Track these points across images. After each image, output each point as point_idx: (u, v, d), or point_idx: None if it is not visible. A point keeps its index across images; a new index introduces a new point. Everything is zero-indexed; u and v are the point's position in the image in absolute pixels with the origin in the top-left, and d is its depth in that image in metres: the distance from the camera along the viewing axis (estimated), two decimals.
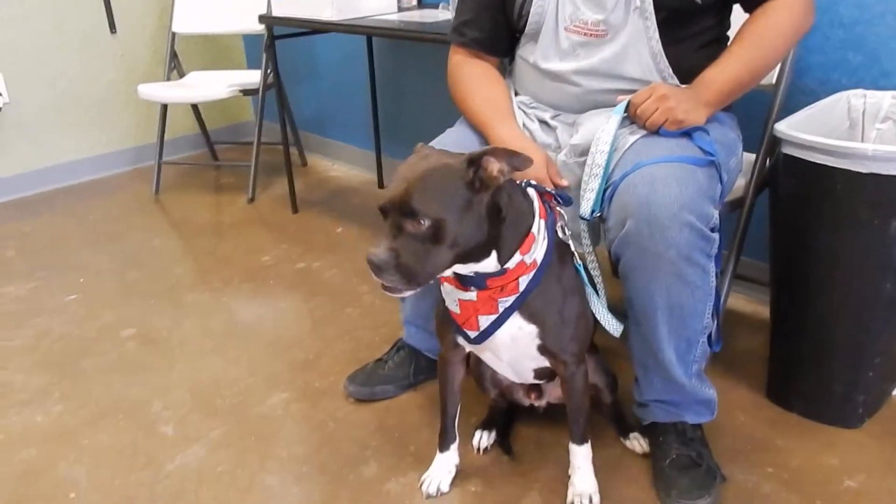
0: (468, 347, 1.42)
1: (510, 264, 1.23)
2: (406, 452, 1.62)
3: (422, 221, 1.13)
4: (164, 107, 3.36)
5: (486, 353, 1.42)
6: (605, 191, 1.38)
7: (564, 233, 1.34)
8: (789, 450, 1.58)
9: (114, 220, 3.11)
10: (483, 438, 1.64)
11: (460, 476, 1.54)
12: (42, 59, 3.38)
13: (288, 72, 3.48)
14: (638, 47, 1.46)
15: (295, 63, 3.60)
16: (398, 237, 1.15)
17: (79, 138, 3.57)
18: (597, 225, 1.43)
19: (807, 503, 1.44)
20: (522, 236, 1.23)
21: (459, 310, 1.31)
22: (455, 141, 1.57)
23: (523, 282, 1.25)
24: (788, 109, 1.70)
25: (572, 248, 1.34)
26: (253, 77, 3.28)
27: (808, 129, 1.51)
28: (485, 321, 1.30)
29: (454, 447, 1.54)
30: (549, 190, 1.37)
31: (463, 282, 1.27)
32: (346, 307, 2.27)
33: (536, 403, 1.64)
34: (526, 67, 1.62)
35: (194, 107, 3.62)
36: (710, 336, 1.46)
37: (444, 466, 1.53)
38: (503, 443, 1.63)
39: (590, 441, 1.45)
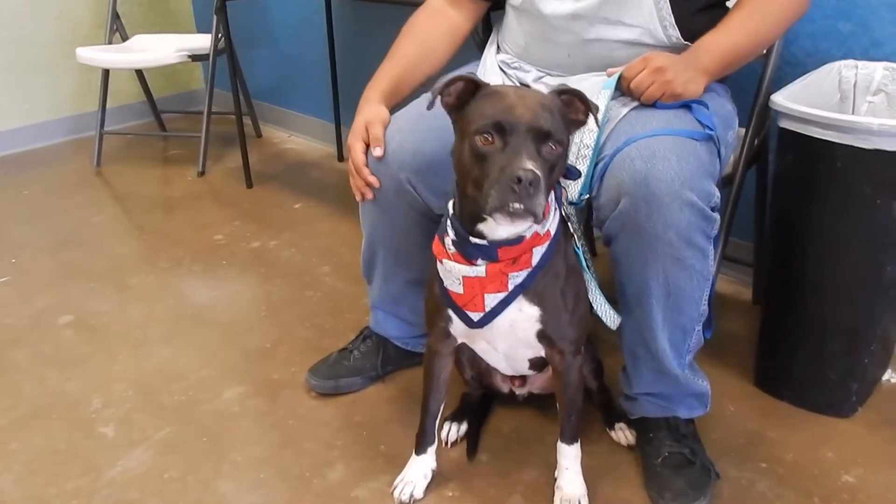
0: (460, 337, 1.30)
1: (528, 232, 1.12)
2: (376, 453, 1.49)
3: (555, 146, 1.05)
4: (106, 72, 3.14)
5: (480, 342, 1.29)
6: (595, 165, 1.26)
7: (566, 210, 1.23)
8: (782, 442, 1.50)
9: (51, 195, 2.88)
10: (452, 431, 1.53)
11: (436, 480, 1.41)
12: None
13: (240, 36, 3.29)
14: None
15: (248, 27, 3.40)
16: (536, 158, 1.03)
17: (12, 105, 3.33)
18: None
19: (804, 500, 1.36)
20: None
21: (463, 289, 1.17)
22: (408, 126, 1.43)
23: (537, 254, 1.14)
24: (775, 80, 1.61)
25: (571, 228, 1.23)
26: (202, 41, 3.08)
27: (801, 102, 1.42)
28: (491, 300, 1.17)
29: (432, 450, 1.41)
30: None
31: (469, 254, 1.14)
32: (306, 290, 2.12)
33: (518, 392, 1.53)
34: (514, 16, 1.49)
35: (139, 73, 3.40)
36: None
37: (419, 470, 1.40)
38: (471, 440, 1.51)
39: (580, 441, 1.34)
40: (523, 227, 1.10)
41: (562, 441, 1.34)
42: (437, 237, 1.21)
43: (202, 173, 3.02)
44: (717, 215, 1.23)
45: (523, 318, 1.19)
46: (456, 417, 1.55)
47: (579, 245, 1.24)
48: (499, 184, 0.99)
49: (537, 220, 1.03)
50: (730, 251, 1.93)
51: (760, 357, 1.67)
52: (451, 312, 1.23)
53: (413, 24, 1.55)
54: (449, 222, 1.17)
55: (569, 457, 1.34)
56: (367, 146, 1.43)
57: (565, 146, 1.08)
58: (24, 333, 1.95)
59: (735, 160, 1.64)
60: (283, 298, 2.09)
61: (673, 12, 1.34)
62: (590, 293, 1.26)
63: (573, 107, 1.13)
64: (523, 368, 1.38)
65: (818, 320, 1.52)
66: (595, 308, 1.28)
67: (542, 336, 1.22)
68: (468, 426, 1.54)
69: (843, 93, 1.68)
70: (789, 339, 1.58)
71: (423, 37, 1.53)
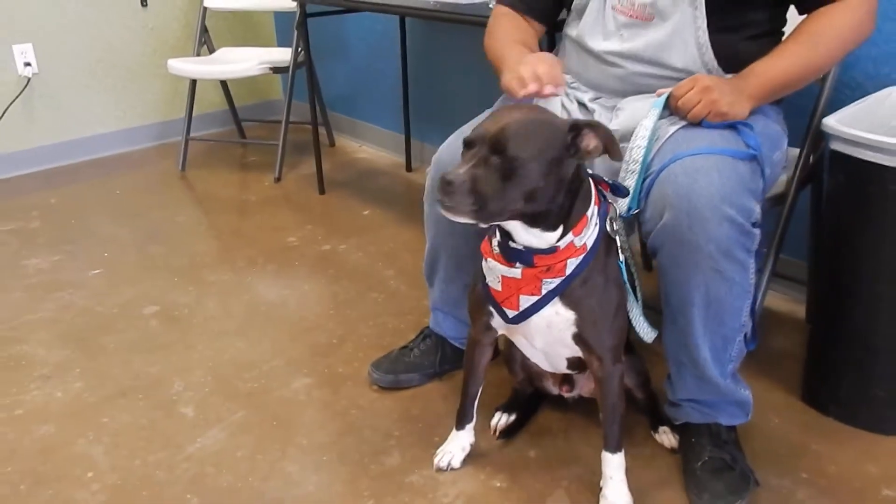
0: (500, 329, 1.39)
1: (562, 243, 1.20)
2: (430, 444, 1.58)
3: (510, 157, 1.12)
4: (193, 82, 3.33)
5: (518, 337, 1.38)
6: (643, 181, 1.33)
7: (613, 227, 1.30)
8: (825, 455, 1.53)
9: (139, 195, 3.09)
10: (502, 420, 1.62)
11: (485, 471, 1.51)
12: (72, 31, 3.37)
13: (318, 50, 3.44)
14: (684, 36, 1.41)
15: (326, 42, 3.56)
16: (479, 167, 1.12)
17: (107, 111, 3.56)
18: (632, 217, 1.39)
19: None
20: (580, 217, 1.21)
21: (501, 287, 1.27)
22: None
23: (571, 265, 1.22)
24: (834, 103, 1.64)
25: (619, 244, 1.30)
26: (283, 55, 3.25)
27: (855, 125, 1.46)
28: (525, 301, 1.26)
29: (470, 427, 1.54)
30: (606, 180, 1.32)
31: (509, 257, 1.24)
32: (371, 292, 2.24)
33: (567, 395, 1.61)
34: (570, 44, 1.59)
35: (223, 83, 3.60)
36: (745, 335, 1.40)
37: (458, 444, 1.53)
38: (512, 427, 1.61)
39: (624, 449, 1.39)
40: (460, 220, 1.15)
41: (605, 450, 1.39)
42: (486, 237, 1.31)
43: (278, 179, 3.18)
44: (757, 231, 1.29)
45: (560, 320, 1.27)
46: (506, 409, 1.64)
47: (623, 260, 1.30)
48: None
49: (459, 214, 1.12)
50: (785, 269, 1.96)
51: (808, 372, 1.70)
52: (490, 307, 1.33)
53: (503, 23, 1.61)
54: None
55: (613, 465, 1.39)
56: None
57: (524, 162, 1.12)
58: (113, 321, 2.12)
59: (789, 179, 1.68)
60: (349, 298, 2.21)
61: (716, 50, 1.40)
62: (628, 305, 1.33)
63: (584, 137, 1.17)
64: (562, 367, 1.45)
65: (865, 338, 1.54)
66: (631, 321, 1.35)
67: (579, 339, 1.30)
68: (516, 418, 1.63)
69: None
70: (838, 355, 1.60)
71: (520, 30, 1.60)
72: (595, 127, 1.17)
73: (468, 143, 1.16)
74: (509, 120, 1.15)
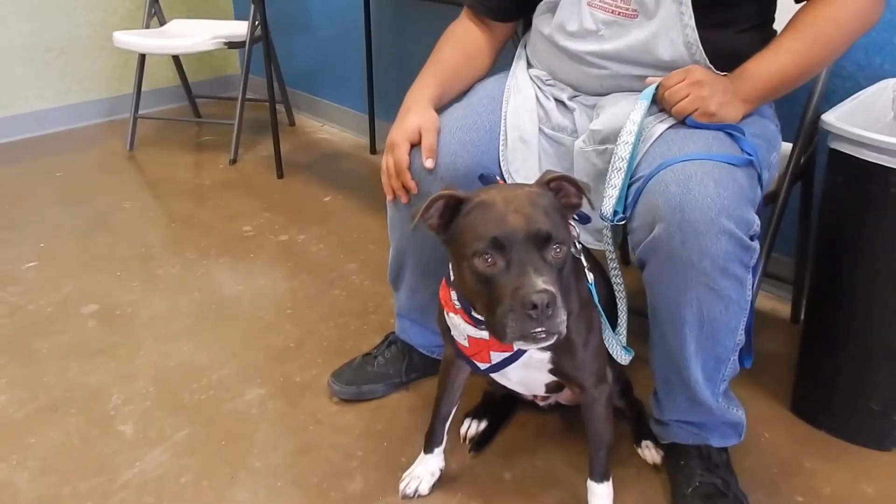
0: None
1: None
2: (396, 465, 1.44)
3: (559, 248, 1.00)
4: (142, 56, 3.13)
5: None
6: (629, 186, 1.20)
7: (575, 246, 1.18)
8: (820, 474, 1.43)
9: (83, 177, 2.88)
10: (472, 427, 1.52)
11: (457, 497, 1.38)
12: None
13: (278, 24, 3.27)
14: (671, 34, 1.27)
15: (286, 15, 3.38)
16: (544, 272, 0.97)
17: (48, 86, 3.35)
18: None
19: None
20: None
21: (469, 344, 1.17)
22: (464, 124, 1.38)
23: None
24: (825, 94, 1.55)
25: (584, 263, 1.19)
26: (239, 28, 3.07)
27: (853, 122, 1.35)
28: (497, 356, 1.16)
29: (439, 451, 1.41)
30: None
31: (476, 321, 1.13)
32: (333, 288, 2.09)
33: (541, 403, 1.52)
34: (542, 39, 1.43)
35: (175, 58, 3.39)
36: (740, 352, 1.29)
37: (426, 468, 1.40)
38: (483, 437, 1.50)
39: (611, 479, 1.28)
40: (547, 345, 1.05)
41: (591, 479, 1.29)
42: (444, 282, 1.19)
43: (234, 161, 3.01)
44: (756, 244, 1.16)
45: (534, 360, 1.19)
46: (476, 414, 1.54)
47: (592, 283, 1.20)
48: (514, 312, 0.95)
49: (562, 336, 0.98)
50: (770, 267, 1.86)
51: (799, 382, 1.60)
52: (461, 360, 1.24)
53: (452, 31, 1.51)
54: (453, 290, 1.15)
55: (599, 497, 1.29)
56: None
57: (568, 242, 1.03)
58: (48, 322, 1.94)
59: (780, 176, 1.57)
60: (308, 296, 2.06)
61: (706, 47, 1.27)
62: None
63: (564, 191, 1.09)
64: (541, 391, 1.36)
65: (862, 346, 1.45)
66: (605, 342, 1.25)
67: (557, 371, 1.21)
68: (487, 425, 1.52)
69: None
70: (830, 364, 1.51)
71: (464, 44, 1.49)
72: (563, 177, 1.09)
73: (499, 244, 0.98)
74: (524, 205, 1.01)
